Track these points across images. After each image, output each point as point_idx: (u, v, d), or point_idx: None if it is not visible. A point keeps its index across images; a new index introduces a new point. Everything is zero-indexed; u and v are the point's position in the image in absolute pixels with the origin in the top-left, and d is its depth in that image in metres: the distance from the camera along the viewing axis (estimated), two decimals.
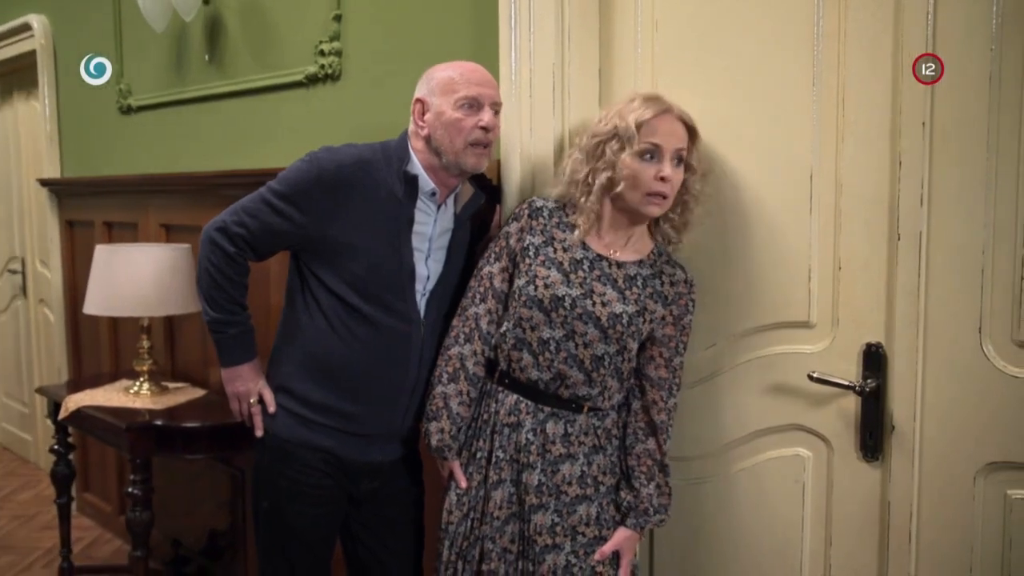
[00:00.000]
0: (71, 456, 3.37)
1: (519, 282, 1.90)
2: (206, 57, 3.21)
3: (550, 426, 1.90)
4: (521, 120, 2.13)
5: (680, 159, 1.83)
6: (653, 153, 1.79)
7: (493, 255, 1.98)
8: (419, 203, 2.01)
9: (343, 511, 2.18)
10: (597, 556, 1.88)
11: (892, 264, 1.76)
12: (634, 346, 1.89)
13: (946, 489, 1.74)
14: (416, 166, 1.99)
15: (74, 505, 4.22)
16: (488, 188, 2.17)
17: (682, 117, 1.83)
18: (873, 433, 1.81)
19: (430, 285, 2.06)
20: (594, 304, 1.85)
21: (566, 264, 1.89)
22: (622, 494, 1.93)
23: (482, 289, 1.97)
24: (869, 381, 1.79)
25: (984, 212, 1.66)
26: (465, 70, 1.96)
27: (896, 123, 1.73)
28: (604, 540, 1.90)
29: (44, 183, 4.26)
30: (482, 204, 2.12)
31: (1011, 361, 1.67)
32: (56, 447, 3.32)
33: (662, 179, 1.78)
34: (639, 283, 1.89)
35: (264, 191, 2.03)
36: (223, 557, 3.33)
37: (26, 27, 4.30)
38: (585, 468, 1.90)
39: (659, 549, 2.19)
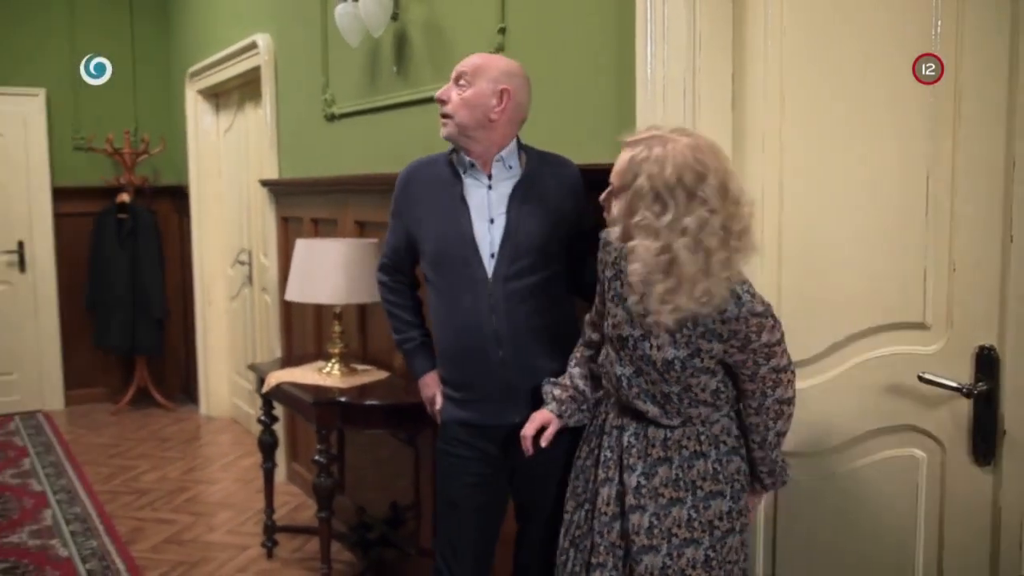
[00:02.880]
0: (275, 427, 3.79)
1: (606, 318, 2.02)
2: (394, 69, 3.50)
3: (651, 430, 1.96)
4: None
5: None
6: None
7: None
8: (468, 179, 2.28)
9: (500, 483, 2.34)
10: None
11: (1005, 266, 1.73)
12: (697, 381, 1.90)
13: None
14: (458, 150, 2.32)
15: (285, 474, 4.72)
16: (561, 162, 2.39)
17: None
18: (985, 437, 1.78)
19: (495, 247, 2.25)
20: (651, 347, 1.89)
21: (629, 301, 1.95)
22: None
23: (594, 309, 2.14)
24: (980, 384, 1.77)
25: None
26: None
27: (1011, 125, 1.70)
28: (696, 543, 1.92)
29: (264, 183, 4.76)
30: (556, 171, 2.34)
31: None
32: (262, 418, 3.74)
33: None
34: (689, 324, 1.84)
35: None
36: (402, 527, 3.63)
37: (253, 45, 4.79)
38: (680, 472, 1.93)
39: (781, 544, 2.23)
